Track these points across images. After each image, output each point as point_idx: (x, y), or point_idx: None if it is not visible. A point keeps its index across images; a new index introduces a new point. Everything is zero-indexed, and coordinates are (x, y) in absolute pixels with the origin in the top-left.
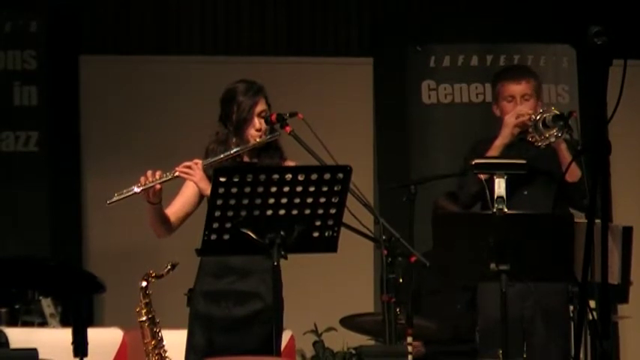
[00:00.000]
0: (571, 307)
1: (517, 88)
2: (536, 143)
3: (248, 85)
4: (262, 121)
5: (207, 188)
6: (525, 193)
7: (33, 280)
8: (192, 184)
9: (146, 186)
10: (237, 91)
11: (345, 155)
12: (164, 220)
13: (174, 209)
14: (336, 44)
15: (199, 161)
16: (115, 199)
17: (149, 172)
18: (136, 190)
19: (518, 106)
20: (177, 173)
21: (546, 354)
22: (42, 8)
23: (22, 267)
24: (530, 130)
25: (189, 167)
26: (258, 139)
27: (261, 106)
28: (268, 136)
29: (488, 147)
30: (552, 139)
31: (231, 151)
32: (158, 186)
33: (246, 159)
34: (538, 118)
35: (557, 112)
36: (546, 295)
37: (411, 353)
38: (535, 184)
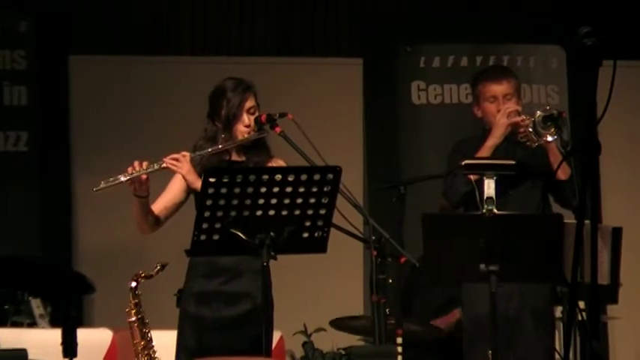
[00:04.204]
0: (560, 308)
1: (499, 89)
2: (529, 143)
3: (237, 82)
4: (251, 117)
5: (194, 181)
6: (511, 193)
7: (22, 281)
8: (179, 180)
9: (132, 175)
10: (227, 87)
11: (335, 156)
12: (149, 215)
13: (161, 203)
14: (325, 45)
15: (187, 153)
16: (101, 186)
17: (136, 163)
18: (122, 179)
19: (506, 105)
20: (164, 164)
21: (532, 353)
22: (32, 8)
23: (12, 267)
24: (523, 130)
25: (176, 159)
26: (246, 135)
27: (250, 103)
28: (256, 133)
29: (470, 146)
30: (549, 139)
31: (220, 146)
32: (144, 176)
33: (233, 156)
34: (537, 116)
35: (555, 111)
36: (531, 294)
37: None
38: (521, 185)
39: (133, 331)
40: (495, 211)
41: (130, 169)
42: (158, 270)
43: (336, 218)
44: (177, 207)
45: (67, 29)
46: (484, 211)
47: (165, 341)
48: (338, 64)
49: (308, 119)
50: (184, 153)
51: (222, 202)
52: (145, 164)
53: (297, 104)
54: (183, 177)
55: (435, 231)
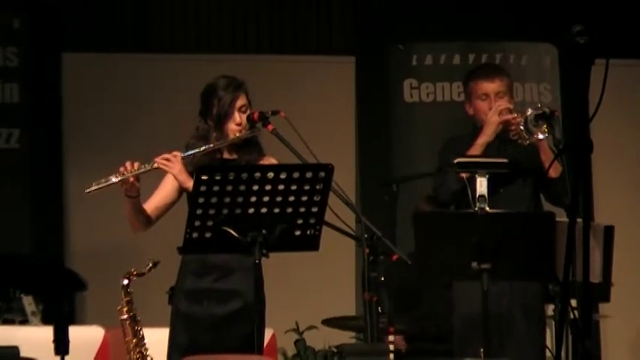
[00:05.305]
0: (552, 306)
1: (491, 86)
2: (520, 141)
3: (229, 80)
4: (243, 115)
5: (185, 181)
6: (502, 191)
7: (14, 278)
8: (171, 179)
9: (124, 176)
10: (218, 85)
11: (327, 154)
12: (142, 214)
13: (153, 203)
14: (318, 43)
15: (178, 153)
16: (93, 188)
17: (128, 163)
18: (114, 179)
19: (497, 102)
20: (155, 164)
21: (524, 352)
22: (25, 5)
23: (3, 264)
24: (515, 128)
25: (167, 159)
26: (238, 134)
27: (241, 101)
28: (248, 132)
29: (461, 144)
30: (541, 137)
31: (211, 145)
32: (134, 177)
33: (225, 154)
34: (528, 114)
35: (547, 109)
36: (522, 292)
37: (392, 351)
38: (512, 183)
39: (124, 328)
40: (487, 209)
41: (121, 170)
42: (150, 267)
43: (329, 216)
44: (169, 207)
45: (60, 26)
46: (476, 209)
47: (157, 339)
48: (330, 62)
49: (300, 117)
50: (175, 153)
51: (214, 199)
52: (136, 165)
53: (289, 102)
54: (175, 177)
55: (426, 229)
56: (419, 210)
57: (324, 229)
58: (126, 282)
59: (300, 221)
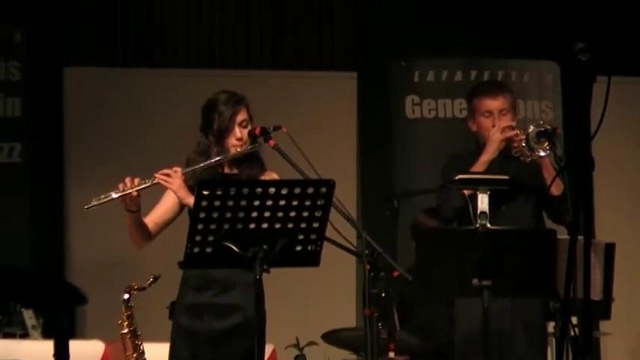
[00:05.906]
0: (553, 323)
1: (494, 104)
2: (522, 158)
3: (229, 95)
4: (243, 130)
5: (185, 197)
6: (503, 208)
7: (15, 292)
8: (171, 194)
9: (124, 192)
10: (219, 100)
11: (329, 169)
12: (143, 228)
13: (154, 218)
14: (320, 58)
15: (179, 169)
16: (92, 204)
17: (127, 179)
18: (114, 195)
19: (500, 121)
20: (155, 180)
21: None
22: (26, 19)
23: (4, 278)
24: (517, 145)
25: (168, 175)
26: (238, 149)
27: (242, 116)
28: (249, 147)
29: (464, 162)
30: (542, 154)
31: (211, 160)
32: (134, 193)
33: (226, 169)
34: (530, 131)
35: (549, 126)
36: (524, 309)
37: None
38: (514, 200)
39: (125, 343)
40: (489, 225)
41: (121, 186)
42: (151, 282)
43: (329, 232)
44: (169, 222)
45: (62, 41)
46: (477, 225)
47: (157, 354)
48: (332, 78)
49: (302, 132)
50: (176, 168)
51: (215, 214)
52: (136, 181)
53: (291, 117)
54: (174, 193)
55: (427, 245)
56: (418, 222)
57: (325, 244)
58: (126, 296)
59: (301, 237)
